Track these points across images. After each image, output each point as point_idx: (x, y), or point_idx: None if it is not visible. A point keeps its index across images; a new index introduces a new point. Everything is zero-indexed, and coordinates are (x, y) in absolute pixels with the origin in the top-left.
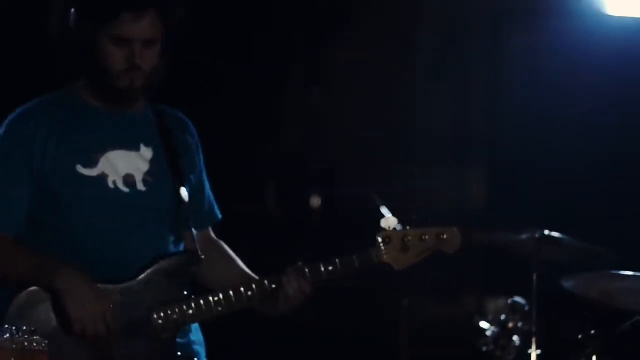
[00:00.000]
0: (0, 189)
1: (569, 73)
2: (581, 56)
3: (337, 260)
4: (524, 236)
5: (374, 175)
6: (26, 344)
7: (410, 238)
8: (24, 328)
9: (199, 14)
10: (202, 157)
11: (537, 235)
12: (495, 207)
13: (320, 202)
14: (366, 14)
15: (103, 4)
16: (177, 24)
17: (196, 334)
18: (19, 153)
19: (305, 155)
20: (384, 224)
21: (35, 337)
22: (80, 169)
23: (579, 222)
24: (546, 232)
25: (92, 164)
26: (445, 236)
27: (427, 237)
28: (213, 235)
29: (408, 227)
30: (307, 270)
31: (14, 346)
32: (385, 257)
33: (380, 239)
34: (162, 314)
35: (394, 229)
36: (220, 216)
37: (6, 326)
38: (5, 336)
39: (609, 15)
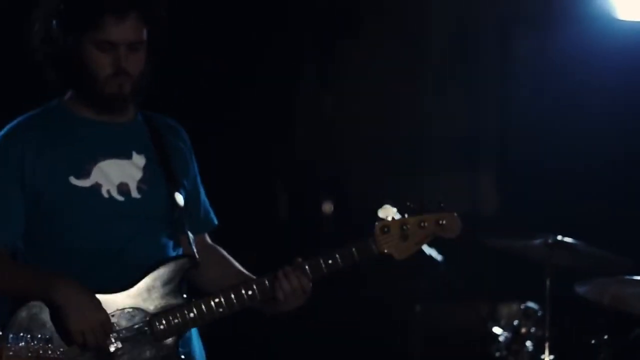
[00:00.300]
0: None
1: (579, 77)
2: (592, 60)
3: (336, 255)
4: (536, 241)
5: (385, 179)
6: (41, 352)
7: (408, 226)
8: (39, 336)
9: (212, 18)
10: (195, 163)
11: (549, 241)
12: (506, 211)
13: (332, 207)
14: (377, 20)
15: (84, 11)
16: (161, 27)
17: (197, 342)
18: (11, 169)
19: (316, 159)
20: (381, 213)
21: (50, 345)
22: (73, 180)
23: (591, 226)
24: (559, 237)
25: (85, 174)
26: (444, 221)
27: (425, 224)
28: (209, 240)
29: (406, 215)
30: (306, 266)
31: (29, 354)
32: (384, 246)
33: (378, 229)
34: (163, 319)
35: (392, 217)
36: (216, 222)
37: (21, 334)
38: (20, 344)
39: (620, 20)
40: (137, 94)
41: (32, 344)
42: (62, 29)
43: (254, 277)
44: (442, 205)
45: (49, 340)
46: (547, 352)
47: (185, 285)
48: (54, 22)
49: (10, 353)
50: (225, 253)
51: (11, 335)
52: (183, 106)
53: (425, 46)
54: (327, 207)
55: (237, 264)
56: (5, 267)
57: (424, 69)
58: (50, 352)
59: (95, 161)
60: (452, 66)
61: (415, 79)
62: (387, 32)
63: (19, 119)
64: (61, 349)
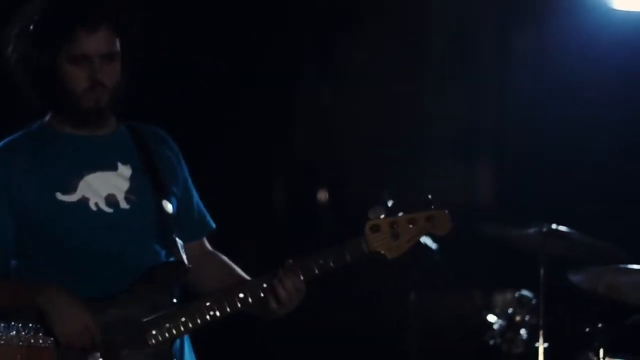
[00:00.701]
0: None
1: (575, 68)
2: (588, 51)
3: (327, 256)
4: (531, 230)
5: (383, 172)
6: (32, 340)
7: (398, 224)
8: (30, 325)
9: (213, 16)
10: (184, 168)
11: (544, 229)
12: (503, 202)
13: (327, 195)
14: (376, 15)
15: (55, 27)
16: (134, 37)
17: (188, 350)
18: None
19: (315, 156)
20: (371, 213)
21: (40, 334)
22: (60, 196)
23: (586, 216)
24: (553, 226)
25: (71, 189)
26: (434, 219)
27: (415, 222)
28: (209, 246)
29: (396, 214)
30: (298, 268)
31: (21, 343)
32: (375, 245)
33: (368, 228)
34: (154, 326)
35: (382, 216)
36: (213, 226)
37: (12, 323)
38: (12, 333)
39: (616, 10)
40: (115, 106)
41: (23, 332)
42: (35, 48)
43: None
44: (431, 202)
45: (39, 330)
46: (541, 340)
47: (178, 291)
48: (26, 41)
49: (2, 342)
50: (226, 259)
51: (2, 325)
52: (182, 105)
53: (425, 41)
54: (322, 195)
55: (238, 270)
56: None
57: (422, 63)
58: (41, 341)
59: (80, 176)
60: (451, 60)
61: (414, 73)
62: (387, 27)
63: (1, 143)
64: (52, 339)
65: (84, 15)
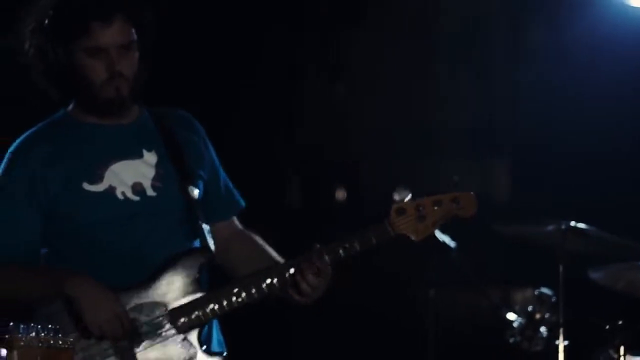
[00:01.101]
0: (7, 217)
1: (590, 63)
2: (603, 46)
3: (353, 239)
4: (550, 227)
5: (397, 167)
6: (52, 341)
7: (424, 206)
8: (49, 326)
9: (223, 9)
10: (211, 149)
11: (563, 227)
12: (519, 198)
13: (345, 194)
14: (386, 8)
15: (70, 21)
16: (149, 26)
17: (217, 337)
18: (21, 184)
19: (328, 149)
20: (396, 196)
21: (59, 335)
22: (87, 186)
23: (604, 212)
24: (572, 223)
25: (98, 179)
26: (460, 200)
27: (441, 203)
28: (239, 225)
29: (424, 196)
30: (325, 253)
31: (40, 344)
32: (401, 227)
33: (393, 211)
34: (183, 312)
35: (407, 199)
36: (243, 204)
37: (32, 324)
38: (31, 334)
39: (631, 6)
40: (136, 94)
41: (43, 334)
42: (51, 43)
43: (282, 261)
44: (456, 185)
45: (57, 331)
46: (561, 337)
47: (205, 277)
48: (42, 37)
49: (22, 343)
50: (256, 239)
51: (22, 326)
52: (190, 99)
53: (437, 34)
54: (341, 194)
55: (268, 250)
56: (19, 275)
57: (435, 56)
58: (60, 342)
59: (106, 165)
60: (464, 54)
61: (427, 67)
62: (398, 20)
63: (26, 133)
64: (71, 339)
65: (97, 8)
